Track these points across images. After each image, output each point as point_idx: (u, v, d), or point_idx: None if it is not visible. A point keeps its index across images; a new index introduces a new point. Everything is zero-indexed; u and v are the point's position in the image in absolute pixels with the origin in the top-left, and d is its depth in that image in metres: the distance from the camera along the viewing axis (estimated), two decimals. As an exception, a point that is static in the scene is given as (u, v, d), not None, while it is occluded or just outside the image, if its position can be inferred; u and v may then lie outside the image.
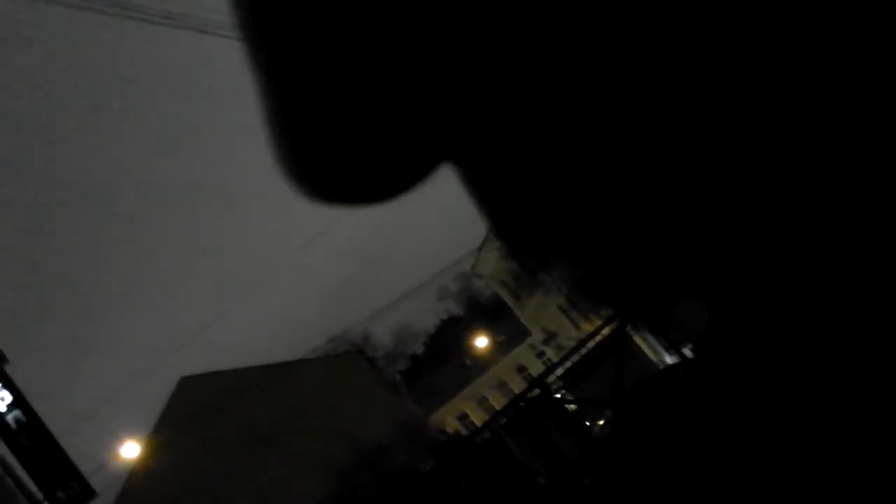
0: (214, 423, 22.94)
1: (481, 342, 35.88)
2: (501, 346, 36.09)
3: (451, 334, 39.14)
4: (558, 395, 12.41)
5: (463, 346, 37.16)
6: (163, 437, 23.38)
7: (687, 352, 9.70)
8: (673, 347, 11.48)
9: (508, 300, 33.17)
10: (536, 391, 11.44)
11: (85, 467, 16.98)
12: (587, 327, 21.44)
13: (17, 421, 16.60)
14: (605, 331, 12.04)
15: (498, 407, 21.54)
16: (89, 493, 16.11)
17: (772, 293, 0.34)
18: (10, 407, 16.66)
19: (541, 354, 32.94)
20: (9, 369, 17.45)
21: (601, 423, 12.40)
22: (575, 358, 12.72)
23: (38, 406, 17.48)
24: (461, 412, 35.92)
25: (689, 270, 0.35)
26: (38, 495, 15.65)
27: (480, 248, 31.08)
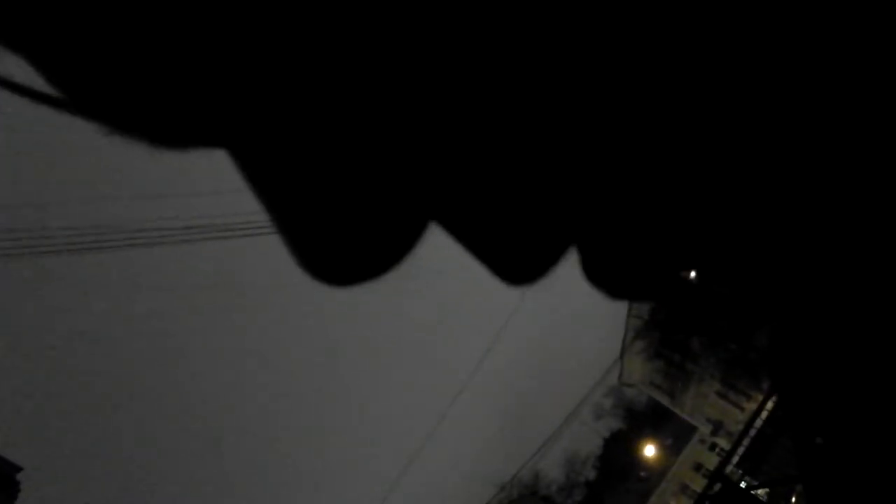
0: None
1: (650, 451, 34.82)
2: (672, 449, 34.89)
3: (618, 451, 38.12)
4: (742, 484, 12.10)
5: (634, 460, 36.09)
6: None
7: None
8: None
9: (664, 401, 32.33)
10: (718, 485, 11.25)
11: None
12: (751, 406, 20.77)
13: None
14: (769, 404, 11.84)
15: (686, 512, 20.78)
16: None
17: None
18: None
19: (713, 446, 31.67)
20: None
21: (794, 500, 11.97)
22: (747, 441, 12.47)
23: None
24: (652, 527, 34.48)
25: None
26: None
27: (622, 357, 30.77)
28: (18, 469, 18.19)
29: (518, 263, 0.41)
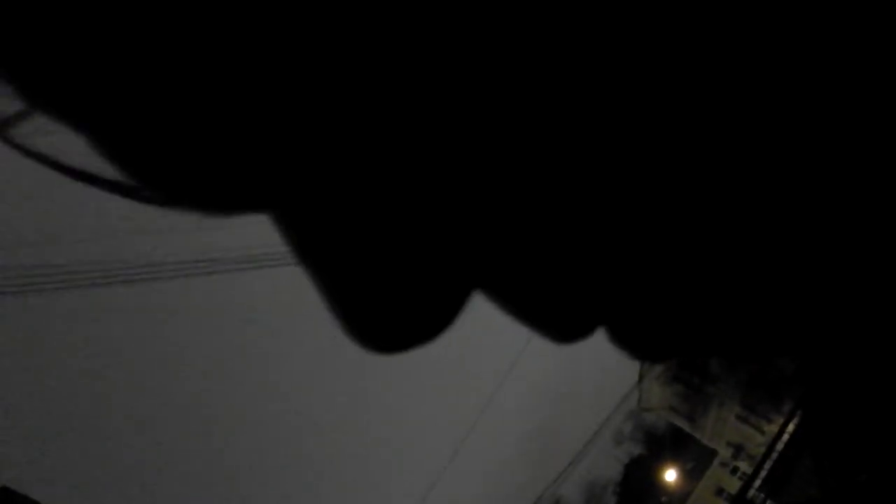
0: None
1: (671, 475, 34.56)
2: (693, 473, 34.61)
3: (639, 476, 37.88)
4: (766, 508, 12.06)
5: (655, 485, 35.83)
6: None
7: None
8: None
9: (684, 425, 32.16)
10: (742, 509, 11.22)
11: None
12: (771, 429, 20.64)
13: None
14: (790, 427, 11.82)
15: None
16: None
17: None
18: None
19: (734, 470, 31.41)
20: None
21: (817, 522, 11.87)
22: (769, 464, 12.43)
23: None
24: (675, 554, 34.12)
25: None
26: None
27: (640, 381, 30.66)
28: None
29: (569, 324, 0.41)
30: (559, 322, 0.40)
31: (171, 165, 0.25)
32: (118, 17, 0.22)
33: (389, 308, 0.37)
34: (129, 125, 0.24)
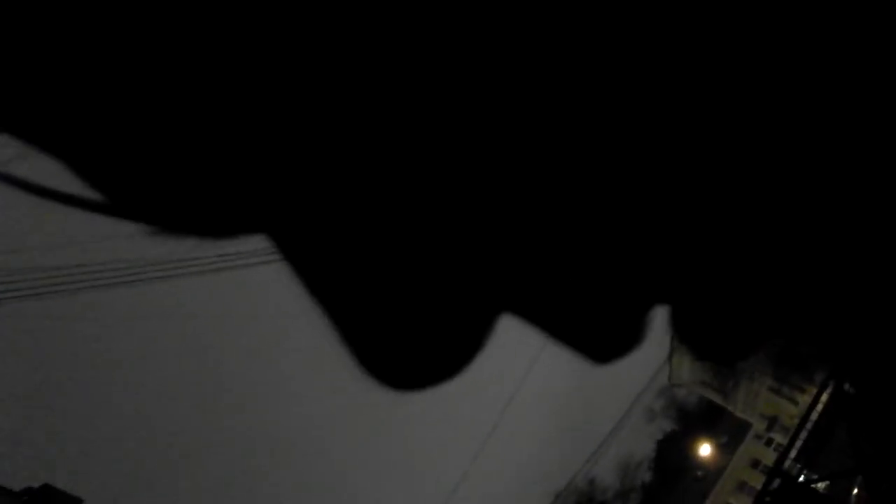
0: None
1: (705, 450, 34.41)
2: (727, 447, 34.44)
3: (673, 452, 37.78)
4: (801, 478, 11.95)
5: (689, 460, 35.71)
6: None
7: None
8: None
9: (717, 399, 31.97)
10: (777, 481, 11.12)
11: None
12: (805, 399, 20.48)
13: None
14: (824, 397, 11.69)
15: (746, 509, 20.50)
16: None
17: None
18: None
19: (769, 442, 31.22)
20: None
21: (855, 491, 11.77)
22: (804, 434, 12.31)
23: None
24: (712, 527, 34.01)
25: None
26: None
27: (670, 358, 30.45)
28: (79, 501, 18.57)
29: (608, 342, 0.40)
30: (593, 342, 0.39)
31: (163, 186, 0.28)
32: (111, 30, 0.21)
33: (408, 340, 0.34)
34: (117, 148, 0.26)
